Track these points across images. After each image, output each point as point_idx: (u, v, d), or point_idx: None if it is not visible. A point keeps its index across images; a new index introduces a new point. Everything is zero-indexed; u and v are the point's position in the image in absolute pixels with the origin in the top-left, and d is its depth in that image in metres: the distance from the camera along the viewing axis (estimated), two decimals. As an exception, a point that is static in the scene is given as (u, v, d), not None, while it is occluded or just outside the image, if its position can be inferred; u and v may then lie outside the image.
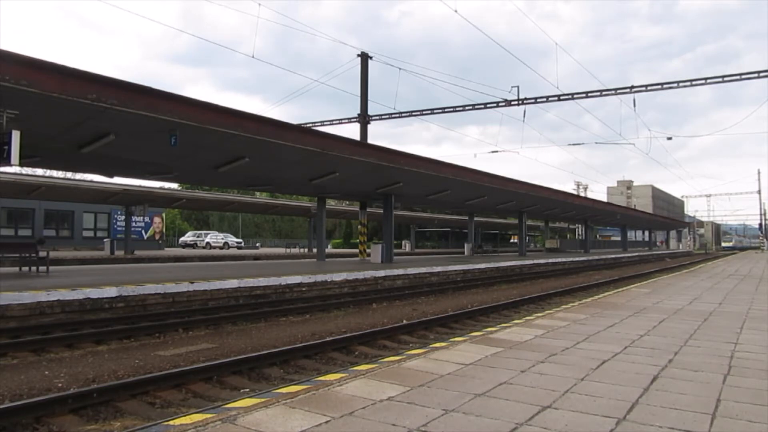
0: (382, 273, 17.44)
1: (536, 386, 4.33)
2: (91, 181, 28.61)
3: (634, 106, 58.66)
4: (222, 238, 51.21)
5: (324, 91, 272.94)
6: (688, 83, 24.60)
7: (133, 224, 35.44)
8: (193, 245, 49.70)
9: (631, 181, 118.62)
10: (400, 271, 18.36)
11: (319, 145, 15.22)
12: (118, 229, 38.67)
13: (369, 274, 16.84)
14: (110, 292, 10.52)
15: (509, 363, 5.12)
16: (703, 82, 24.51)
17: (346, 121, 29.21)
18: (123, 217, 34.52)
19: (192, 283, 12.03)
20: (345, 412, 3.62)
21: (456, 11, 33.16)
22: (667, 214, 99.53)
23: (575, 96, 26.42)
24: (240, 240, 54.09)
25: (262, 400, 3.97)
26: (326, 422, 3.41)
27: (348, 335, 8.60)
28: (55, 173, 40.61)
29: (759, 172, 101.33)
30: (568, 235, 71.79)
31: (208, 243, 49.35)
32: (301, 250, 44.41)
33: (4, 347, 7.57)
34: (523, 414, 3.63)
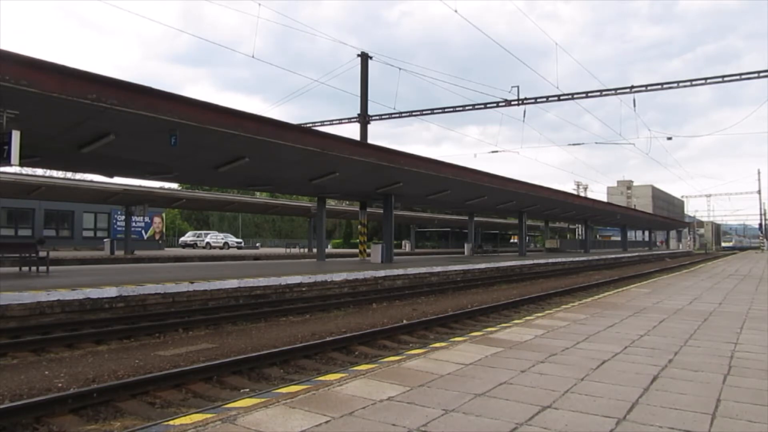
0: (382, 273, 17.44)
1: (536, 386, 4.33)
2: (91, 181, 28.61)
3: (634, 106, 58.70)
4: (222, 238, 51.21)
5: (324, 91, 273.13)
6: (688, 83, 24.60)
7: (133, 224, 35.44)
8: (193, 245, 49.70)
9: (631, 181, 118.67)
10: (400, 271, 18.36)
11: (319, 145, 15.22)
12: (118, 229, 38.68)
13: (369, 274, 16.84)
14: (110, 292, 10.52)
15: (509, 363, 5.12)
16: (703, 82, 24.51)
17: (346, 121, 29.23)
18: (123, 217, 34.52)
19: (192, 283, 12.03)
20: (345, 412, 3.62)
21: (456, 11, 33.20)
22: (667, 214, 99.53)
23: (575, 96, 26.43)
24: (240, 240, 54.09)
25: (262, 400, 3.97)
26: (326, 422, 3.41)
27: (348, 335, 8.60)
28: (55, 173, 40.62)
29: (759, 172, 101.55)
30: (568, 235, 71.79)
31: (208, 243, 49.36)
32: (301, 250, 44.41)
33: (4, 347, 7.57)
34: (523, 414, 3.63)
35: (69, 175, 35.84)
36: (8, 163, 9.83)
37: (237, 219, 69.61)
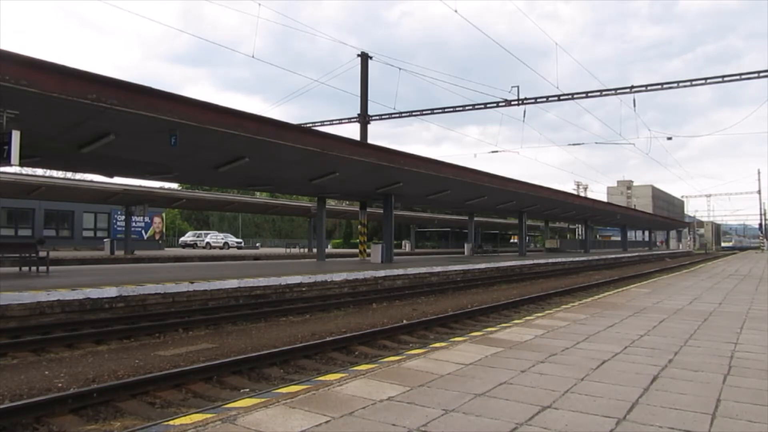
0: (382, 273, 17.44)
1: (536, 386, 4.33)
2: (91, 181, 28.61)
3: (634, 106, 58.71)
4: (222, 238, 51.21)
5: (324, 91, 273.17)
6: (688, 83, 24.60)
7: (133, 224, 35.44)
8: (193, 245, 49.70)
9: (631, 181, 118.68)
10: (400, 271, 18.36)
11: (319, 145, 15.22)
12: (118, 229, 38.67)
13: (369, 274, 16.83)
14: (110, 292, 10.52)
15: (509, 363, 5.12)
16: (703, 82, 24.51)
17: (346, 121, 29.23)
18: (123, 217, 34.52)
19: (192, 283, 12.03)
20: (345, 412, 3.62)
21: (456, 11, 33.19)
22: (667, 214, 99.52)
23: (575, 96, 26.42)
24: (240, 240, 54.08)
25: (262, 400, 3.97)
26: (326, 422, 3.41)
27: (348, 335, 8.60)
28: (55, 173, 40.62)
29: (759, 172, 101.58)
30: (568, 235, 71.78)
31: (208, 243, 49.35)
32: (301, 250, 44.41)
33: (4, 347, 7.57)
34: (523, 414, 3.63)
35: (69, 175, 35.84)
36: (8, 163, 9.83)
37: (237, 219, 69.60)
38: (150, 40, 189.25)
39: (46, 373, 6.40)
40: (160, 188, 32.72)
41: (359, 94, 27.77)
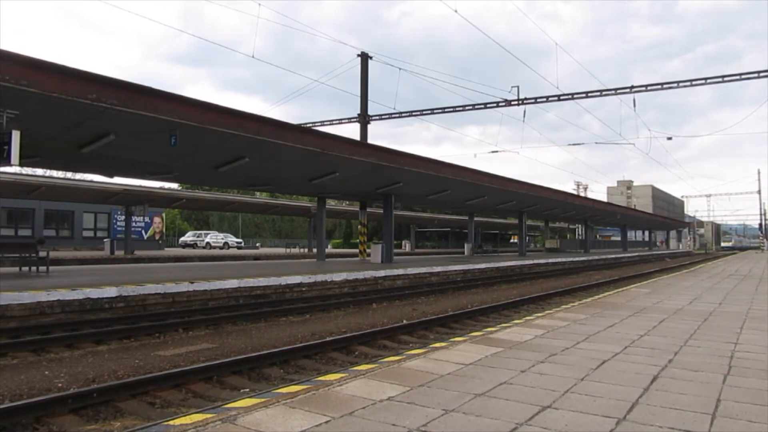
0: (382, 273, 17.44)
1: (536, 386, 4.33)
2: (91, 181, 28.61)
3: (634, 106, 58.68)
4: (222, 238, 51.20)
5: (324, 91, 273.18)
6: (688, 83, 24.60)
7: (133, 224, 35.44)
8: (193, 245, 49.70)
9: (631, 181, 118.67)
10: (400, 271, 18.36)
11: (319, 145, 15.22)
12: (118, 229, 38.67)
13: (369, 274, 16.83)
14: (110, 292, 10.52)
15: (509, 363, 5.12)
16: (703, 82, 24.51)
17: (346, 121, 29.23)
18: (123, 217, 34.52)
19: (192, 283, 12.03)
20: (345, 412, 3.62)
21: (456, 11, 33.20)
22: (667, 214, 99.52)
23: (575, 96, 26.42)
24: (240, 240, 54.08)
25: (262, 400, 3.97)
26: (326, 422, 3.41)
27: (348, 335, 8.60)
28: (55, 173, 40.61)
29: (759, 172, 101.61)
30: (568, 235, 71.78)
31: (208, 243, 49.35)
32: (301, 250, 44.40)
33: (4, 347, 7.57)
34: (523, 414, 3.63)
35: (69, 175, 35.84)
36: (8, 163, 9.83)
37: (237, 219, 69.60)
38: (150, 40, 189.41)
39: (46, 373, 6.40)
40: (160, 188, 32.73)
41: (359, 94, 27.78)
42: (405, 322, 10.14)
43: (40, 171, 41.24)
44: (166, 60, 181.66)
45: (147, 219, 41.18)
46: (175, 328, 9.45)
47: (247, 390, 5.90)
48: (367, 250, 27.16)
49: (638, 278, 21.57)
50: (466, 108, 28.12)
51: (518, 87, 30.44)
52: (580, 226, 65.11)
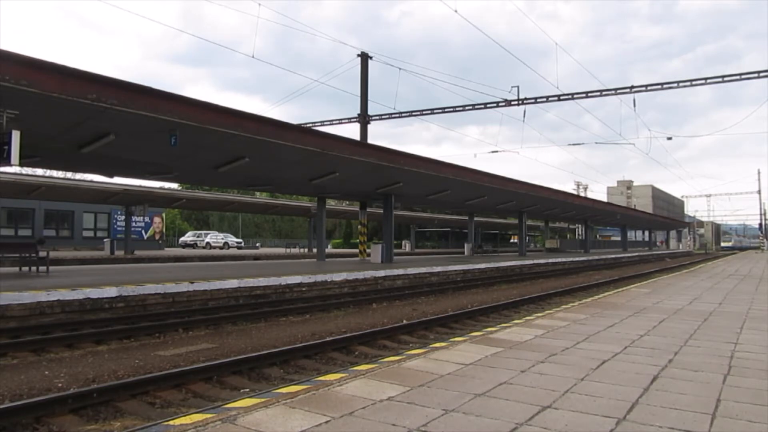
0: (382, 273, 17.44)
1: (536, 386, 4.33)
2: (91, 181, 28.61)
3: (634, 106, 58.66)
4: (222, 238, 51.20)
5: (324, 91, 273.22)
6: (688, 83, 24.60)
7: (133, 224, 35.44)
8: (193, 245, 49.69)
9: (631, 181, 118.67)
10: (400, 271, 18.36)
11: (319, 145, 15.22)
12: (118, 229, 38.67)
13: (369, 274, 16.83)
14: (110, 292, 10.51)
15: (509, 363, 5.12)
16: (703, 82, 24.51)
17: (346, 121, 29.23)
18: (123, 217, 34.52)
19: (192, 283, 12.03)
20: (345, 412, 3.62)
21: (456, 11, 33.20)
22: (667, 214, 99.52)
23: (575, 96, 26.42)
24: (240, 240, 54.08)
25: (262, 400, 3.97)
26: (326, 422, 3.41)
27: (348, 335, 8.60)
28: (55, 173, 40.61)
29: (759, 172, 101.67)
30: (568, 235, 71.78)
31: (208, 243, 49.35)
32: (301, 250, 44.40)
33: (4, 347, 7.57)
34: (523, 414, 3.63)
35: (69, 175, 35.84)
36: (8, 163, 9.83)
37: (237, 219, 69.60)
38: (150, 40, 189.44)
39: (46, 373, 6.40)
40: (160, 188, 32.72)
41: (359, 94, 27.78)
42: (405, 322, 10.14)
43: (40, 171, 41.26)
44: (166, 60, 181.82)
45: (147, 219, 41.18)
46: (175, 328, 9.45)
47: (247, 390, 5.90)
48: (367, 250, 27.16)
49: (638, 278, 21.58)
50: (466, 108, 28.13)
51: (518, 87, 30.47)
52: (580, 226, 65.11)
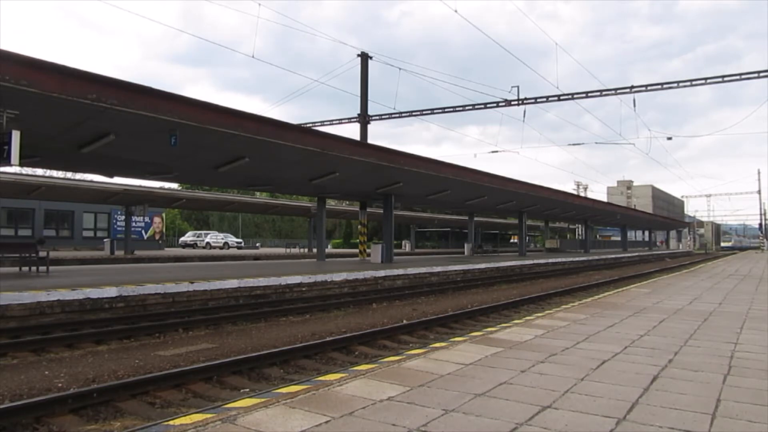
0: (382, 273, 17.44)
1: (536, 386, 4.33)
2: (91, 181, 28.61)
3: (634, 106, 58.66)
4: (222, 238, 51.20)
5: (324, 91, 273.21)
6: (688, 83, 24.60)
7: (133, 224, 35.44)
8: (193, 245, 49.70)
9: (631, 181, 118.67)
10: (400, 271, 18.36)
11: (319, 145, 15.22)
12: (118, 229, 38.67)
13: (369, 274, 16.83)
14: (110, 292, 10.51)
15: (509, 363, 5.12)
16: (703, 82, 24.51)
17: (346, 121, 29.23)
18: (123, 217, 34.52)
19: (192, 283, 12.03)
20: (345, 412, 3.62)
21: (456, 11, 33.21)
22: (667, 214, 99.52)
23: (575, 96, 26.42)
24: (240, 240, 54.08)
25: (262, 400, 3.97)
26: (326, 422, 3.41)
27: (348, 335, 8.60)
28: (55, 173, 40.61)
29: (759, 172, 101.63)
30: (568, 235, 71.78)
31: (208, 243, 49.35)
32: (301, 250, 44.41)
33: (4, 347, 7.57)
34: (523, 414, 3.63)
35: (69, 175, 35.84)
36: (8, 163, 9.83)
37: (237, 219, 69.60)
38: (150, 40, 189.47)
39: (46, 373, 6.40)
40: (160, 188, 32.73)
41: (359, 94, 27.78)
42: (405, 322, 10.14)
43: (40, 171, 41.26)
44: (166, 60, 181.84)
45: (147, 219, 41.18)
46: (175, 328, 9.45)
47: (247, 390, 5.90)
48: (367, 250, 27.16)
49: (638, 278, 21.58)
50: (466, 108, 28.13)
51: (518, 87, 30.48)
52: (580, 226, 65.11)
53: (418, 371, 4.75)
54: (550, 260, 30.62)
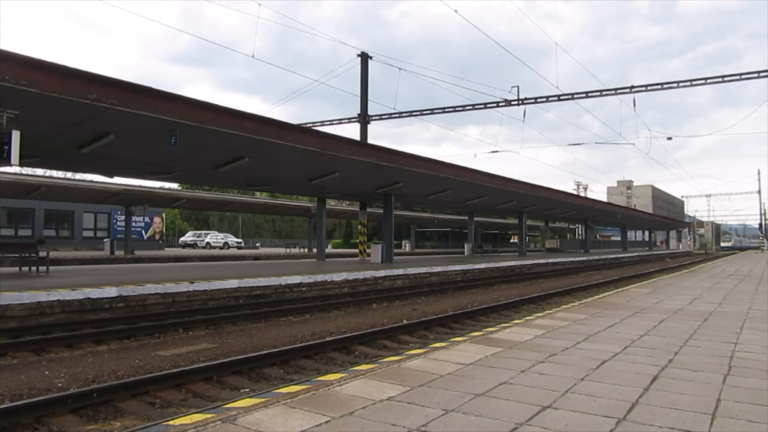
0: (382, 273, 17.44)
1: (536, 386, 4.33)
2: (91, 181, 28.61)
3: (634, 106, 58.66)
4: (222, 238, 51.20)
5: (324, 91, 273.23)
6: (688, 83, 24.60)
7: (133, 224, 35.43)
8: (193, 245, 49.69)
9: (631, 181, 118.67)
10: (400, 271, 18.36)
11: (319, 145, 15.22)
12: (118, 229, 38.67)
13: (369, 274, 16.83)
14: (110, 292, 10.51)
15: (509, 363, 5.12)
16: (703, 82, 24.51)
17: (346, 121, 29.23)
18: (123, 217, 34.52)
19: (192, 283, 12.03)
20: (345, 412, 3.62)
21: (456, 11, 33.21)
22: (667, 214, 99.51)
23: (575, 96, 26.42)
24: (240, 240, 54.08)
25: (262, 400, 3.97)
26: (326, 422, 3.41)
27: (348, 335, 8.60)
28: (55, 173, 40.61)
29: (759, 172, 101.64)
30: (568, 235, 71.78)
31: (208, 243, 49.35)
32: (301, 250, 44.41)
33: (4, 347, 7.57)
34: (523, 414, 3.63)
35: (69, 175, 35.84)
36: (8, 163, 9.83)
37: (237, 219, 69.60)
38: (150, 40, 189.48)
39: (46, 373, 6.40)
40: (160, 188, 32.73)
41: (359, 94, 27.78)
42: (405, 322, 10.14)
43: (40, 171, 41.25)
44: (166, 60, 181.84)
45: (147, 219, 41.18)
46: (175, 328, 9.45)
47: (247, 390, 5.90)
48: (367, 250, 27.16)
49: (638, 278, 21.58)
50: (466, 108, 28.13)
51: (518, 87, 30.48)
52: (580, 226, 65.11)
53: (418, 371, 4.75)
54: (550, 260, 30.62)
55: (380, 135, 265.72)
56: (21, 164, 12.20)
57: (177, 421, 3.71)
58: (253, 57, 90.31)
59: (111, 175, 20.28)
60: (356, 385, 4.30)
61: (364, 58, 27.55)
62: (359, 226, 28.63)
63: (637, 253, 50.44)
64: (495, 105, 27.31)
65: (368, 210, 28.17)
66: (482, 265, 23.42)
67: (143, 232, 42.44)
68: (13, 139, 9.78)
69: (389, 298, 14.55)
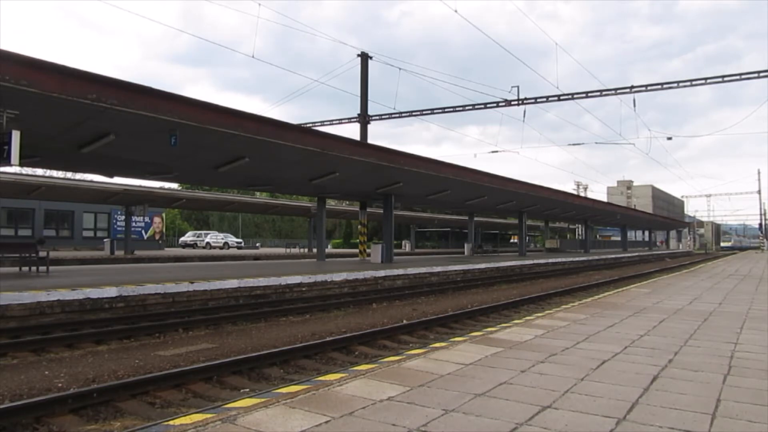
0: (382, 273, 17.44)
1: (536, 386, 4.33)
2: (91, 181, 28.61)
3: (634, 106, 58.68)
4: (222, 238, 51.20)
5: (324, 91, 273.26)
6: (688, 83, 24.60)
7: (133, 224, 35.43)
8: (193, 245, 49.69)
9: (631, 181, 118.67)
10: (400, 271, 18.36)
11: (319, 145, 15.22)
12: (118, 229, 38.67)
13: (369, 274, 16.83)
14: (110, 292, 10.51)
15: (509, 363, 5.12)
16: (703, 82, 24.51)
17: (346, 121, 29.23)
18: (123, 217, 34.53)
19: (192, 283, 12.03)
20: (345, 412, 3.62)
21: (456, 11, 33.23)
22: (667, 214, 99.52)
23: (575, 96, 26.42)
24: (240, 240, 54.07)
25: (262, 400, 3.97)
26: (326, 422, 3.41)
27: (348, 335, 8.60)
28: (55, 173, 40.61)
29: (759, 172, 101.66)
30: (568, 235, 71.78)
31: (208, 243, 49.35)
32: (301, 250, 44.41)
33: (4, 347, 7.57)
34: (523, 414, 3.63)
35: (69, 175, 35.84)
36: (8, 163, 9.83)
37: (237, 219, 69.60)
38: (150, 40, 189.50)
39: (46, 373, 6.40)
40: (160, 188, 32.72)
41: (359, 94, 27.78)
42: (405, 322, 10.14)
43: (40, 171, 41.25)
44: (166, 60, 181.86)
45: (147, 219, 41.18)
46: (175, 328, 9.45)
47: (247, 390, 5.90)
48: (367, 250, 27.16)
49: (638, 278, 21.58)
50: (466, 108, 28.13)
51: (518, 87, 30.49)
52: (580, 226, 65.11)
53: (418, 371, 4.75)
54: (550, 260, 30.62)
55: (380, 135, 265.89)
56: (21, 164, 12.20)
57: (177, 421, 3.71)
58: (253, 57, 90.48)
59: (111, 175, 20.29)
60: (356, 385, 4.30)
61: (364, 58, 27.56)
62: (359, 226, 28.63)
63: (637, 253, 50.44)
64: (495, 105, 27.31)
65: (368, 210, 28.17)
66: (482, 265, 23.41)
67: (143, 232, 42.44)
68: (13, 139, 9.78)
69: (389, 298, 14.55)
